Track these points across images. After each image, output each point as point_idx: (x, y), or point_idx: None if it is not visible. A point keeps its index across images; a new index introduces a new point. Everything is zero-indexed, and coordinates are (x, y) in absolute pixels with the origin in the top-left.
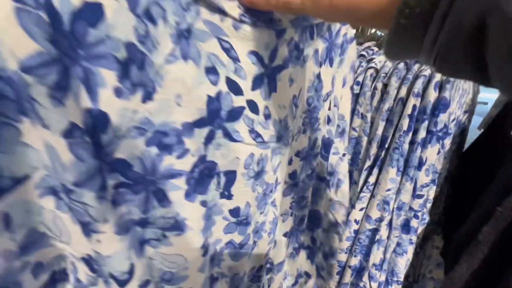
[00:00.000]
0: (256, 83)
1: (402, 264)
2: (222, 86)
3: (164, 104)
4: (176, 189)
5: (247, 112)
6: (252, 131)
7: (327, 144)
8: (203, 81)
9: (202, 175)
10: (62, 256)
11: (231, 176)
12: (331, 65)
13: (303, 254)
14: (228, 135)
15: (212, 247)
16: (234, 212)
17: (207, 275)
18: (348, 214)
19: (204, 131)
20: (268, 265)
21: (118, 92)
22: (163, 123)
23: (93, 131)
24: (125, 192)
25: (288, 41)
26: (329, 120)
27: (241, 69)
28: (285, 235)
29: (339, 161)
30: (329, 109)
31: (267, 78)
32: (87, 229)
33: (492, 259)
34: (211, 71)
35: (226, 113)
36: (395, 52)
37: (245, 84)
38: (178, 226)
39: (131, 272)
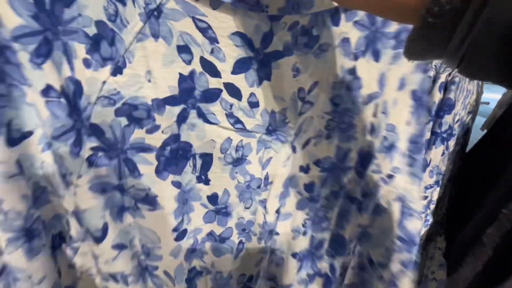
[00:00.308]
0: (239, 67)
1: None
2: (196, 66)
3: (133, 79)
4: (146, 163)
5: (224, 95)
6: (230, 115)
7: (365, 158)
8: (175, 60)
9: (175, 154)
10: (58, 215)
11: (207, 159)
12: (376, 60)
13: (318, 282)
14: (203, 116)
15: (192, 235)
16: (212, 199)
17: (184, 264)
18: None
19: (176, 109)
20: (269, 283)
21: (87, 64)
22: (132, 96)
23: (72, 95)
24: (102, 156)
25: (289, 26)
26: (372, 130)
27: (220, 50)
28: (294, 255)
29: (380, 182)
30: (374, 115)
31: (258, 64)
32: (65, 181)
33: (496, 261)
34: (184, 50)
35: (200, 94)
36: (417, 52)
37: (224, 66)
38: (149, 201)
39: (105, 231)
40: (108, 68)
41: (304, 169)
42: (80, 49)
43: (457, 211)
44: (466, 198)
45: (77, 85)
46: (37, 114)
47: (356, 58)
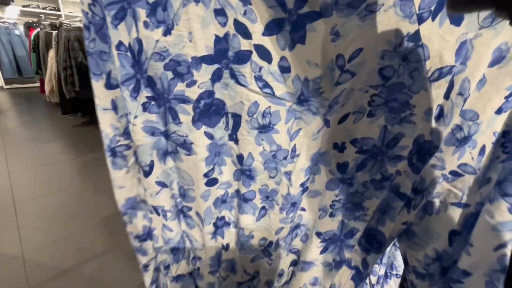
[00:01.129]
0: (270, 28)
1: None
2: (230, 28)
3: (179, 39)
4: (185, 113)
5: (254, 57)
6: (259, 78)
7: (424, 149)
8: (211, 22)
9: (209, 108)
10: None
11: (237, 119)
12: (456, 24)
13: (346, 272)
14: (234, 77)
15: (223, 187)
16: (239, 158)
17: (213, 209)
18: (425, 265)
19: (211, 68)
20: (292, 256)
21: (146, 25)
22: (177, 54)
23: (136, 51)
24: (153, 104)
25: None
26: (440, 114)
27: (252, 12)
28: (318, 235)
29: (439, 179)
30: (446, 97)
31: (291, 26)
32: (128, 118)
33: None
34: (220, 12)
35: (233, 55)
36: (464, 3)
37: (255, 28)
38: (186, 146)
39: (151, 167)
40: (160, 29)
41: (339, 147)
42: (142, 14)
43: None
44: None
45: (139, 42)
46: (112, 63)
47: (420, 20)
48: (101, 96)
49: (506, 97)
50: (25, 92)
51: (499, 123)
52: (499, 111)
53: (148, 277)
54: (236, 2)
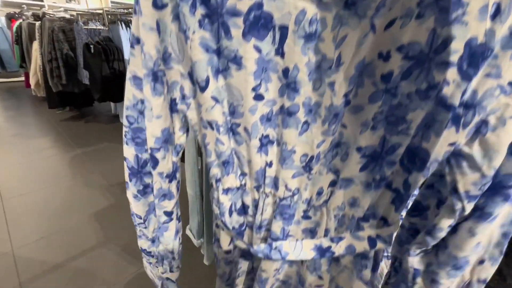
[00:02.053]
0: None
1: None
2: None
3: None
4: (236, 27)
5: None
6: None
7: (476, 53)
8: None
9: (258, 21)
10: (175, 82)
11: (284, 31)
12: None
13: (385, 194)
14: None
15: (269, 104)
16: (285, 72)
17: (259, 124)
18: (482, 185)
19: None
20: (331, 175)
21: None
22: None
23: None
24: (207, 21)
25: None
26: (497, 12)
27: None
28: (359, 150)
29: (494, 91)
30: None
31: None
32: (185, 36)
33: None
34: None
35: None
36: None
37: None
38: (237, 61)
39: (207, 82)
40: None
41: (384, 56)
42: None
43: None
44: None
45: None
46: None
47: None
48: (148, 14)
49: None
50: (9, 86)
51: None
52: None
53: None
54: None
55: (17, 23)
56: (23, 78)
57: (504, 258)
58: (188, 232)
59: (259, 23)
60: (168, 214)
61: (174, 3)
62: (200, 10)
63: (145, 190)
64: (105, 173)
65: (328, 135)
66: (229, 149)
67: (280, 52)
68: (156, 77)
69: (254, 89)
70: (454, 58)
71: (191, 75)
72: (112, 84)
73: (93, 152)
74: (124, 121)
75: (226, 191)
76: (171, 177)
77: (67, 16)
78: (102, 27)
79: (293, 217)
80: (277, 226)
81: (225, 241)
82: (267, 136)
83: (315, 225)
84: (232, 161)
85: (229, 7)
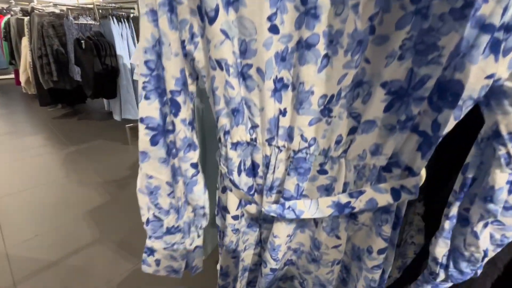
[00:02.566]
0: None
1: None
2: None
3: None
4: None
5: None
6: None
7: None
8: None
9: None
10: (184, 20)
11: None
12: None
13: (412, 139)
14: None
15: (284, 40)
16: None
17: (273, 62)
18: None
19: None
20: (352, 120)
21: None
22: None
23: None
24: None
25: None
26: None
27: None
28: (383, 85)
29: None
30: None
31: None
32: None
33: None
34: None
35: None
36: None
37: None
38: None
39: (216, 12)
40: None
41: None
42: None
43: (436, 176)
44: (444, 163)
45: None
46: None
47: None
48: None
49: None
50: None
51: None
52: None
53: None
54: None
55: (5, 18)
56: (13, 76)
57: None
58: None
59: None
60: (195, 166)
61: None
62: None
63: (171, 150)
64: (99, 170)
65: (351, 67)
66: (239, 96)
67: None
68: (172, 7)
69: (269, 18)
70: None
71: (200, 9)
72: (104, 81)
73: (87, 149)
74: (143, 69)
75: (235, 145)
76: (192, 124)
77: (57, 11)
78: (93, 22)
79: (308, 171)
80: (291, 183)
81: (232, 205)
82: (281, 79)
83: (331, 181)
84: (242, 109)
85: None
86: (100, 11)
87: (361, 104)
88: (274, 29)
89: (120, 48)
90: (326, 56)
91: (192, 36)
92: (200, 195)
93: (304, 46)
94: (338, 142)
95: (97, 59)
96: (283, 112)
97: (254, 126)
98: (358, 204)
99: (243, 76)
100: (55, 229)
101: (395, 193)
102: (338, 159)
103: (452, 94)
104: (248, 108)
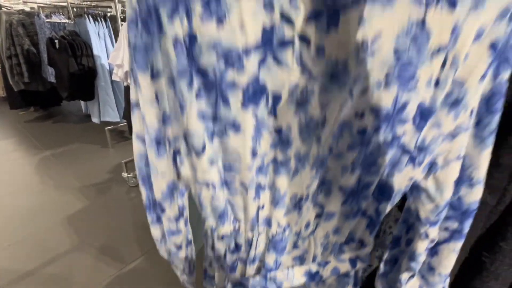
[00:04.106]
0: (311, 17)
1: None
2: (276, 19)
3: (230, 31)
4: (235, 98)
5: (296, 42)
6: (299, 62)
7: (424, 112)
8: (261, 13)
9: (255, 91)
10: (176, 137)
11: (277, 98)
12: (452, 7)
13: (361, 221)
14: (277, 61)
15: (260, 158)
16: (278, 131)
17: (254, 177)
18: (437, 213)
19: (258, 55)
20: (317, 209)
21: (201, 19)
22: (229, 44)
23: (189, 45)
24: (203, 91)
25: None
26: (437, 83)
27: (296, 1)
28: (340, 188)
29: (438, 139)
30: (442, 68)
31: (327, 14)
32: (181, 106)
33: None
34: (267, 5)
35: (277, 41)
36: None
37: (299, 17)
38: (235, 126)
39: (203, 148)
40: (214, 22)
41: (359, 115)
42: (197, 7)
43: None
44: None
45: (194, 37)
46: (167, 59)
47: (427, 5)
48: (147, 87)
49: (486, 68)
50: None
51: (481, 89)
52: (481, 80)
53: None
54: None
55: None
56: None
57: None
58: None
59: (256, 92)
60: (178, 247)
61: (168, 72)
62: (197, 83)
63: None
64: (77, 174)
65: (316, 178)
66: (224, 201)
67: (273, 114)
68: (158, 141)
69: (252, 150)
70: (408, 116)
71: (185, 138)
72: (81, 82)
73: (64, 153)
74: (137, 171)
75: (222, 237)
76: (178, 217)
77: (27, 8)
78: (67, 21)
79: (284, 249)
80: (270, 259)
81: (220, 279)
82: (259, 184)
83: (303, 253)
84: (226, 211)
85: (228, 81)
86: (75, 9)
87: (323, 198)
88: (254, 154)
89: (97, 48)
90: (296, 169)
91: (179, 152)
92: (181, 261)
93: (278, 163)
94: (307, 226)
95: (73, 59)
96: (262, 207)
97: (237, 219)
98: (325, 272)
99: (227, 184)
100: (30, 238)
101: (352, 262)
102: (308, 238)
103: (387, 191)
104: (231, 206)
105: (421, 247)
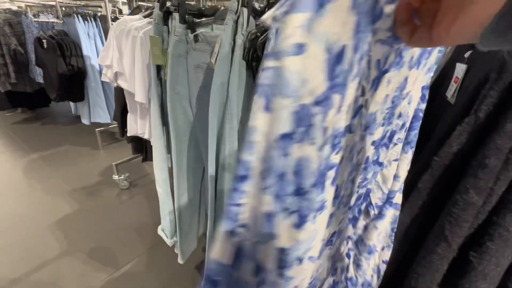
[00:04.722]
0: (373, 84)
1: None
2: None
3: (339, 114)
4: (328, 179)
5: (363, 108)
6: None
7: (392, 135)
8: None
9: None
10: None
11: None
12: (417, 68)
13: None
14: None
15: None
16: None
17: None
18: (382, 199)
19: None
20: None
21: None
22: (337, 129)
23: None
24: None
25: (396, 49)
26: (400, 115)
27: (369, 75)
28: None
29: (391, 149)
30: (406, 105)
31: (377, 79)
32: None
33: (430, 204)
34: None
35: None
36: (496, 40)
37: (368, 86)
38: (323, 208)
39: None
40: (334, 110)
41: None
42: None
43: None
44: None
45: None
46: None
47: (410, 69)
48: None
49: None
50: None
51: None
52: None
53: None
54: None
55: None
56: None
57: (449, 226)
58: (160, 232)
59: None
60: None
61: None
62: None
63: None
64: (67, 177)
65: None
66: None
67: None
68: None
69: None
70: (386, 141)
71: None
72: (70, 82)
73: (52, 156)
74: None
75: None
76: None
77: (14, 7)
78: (55, 20)
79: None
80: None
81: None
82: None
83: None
84: None
85: (329, 163)
86: (64, 8)
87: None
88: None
89: (87, 48)
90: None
91: None
92: None
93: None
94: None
95: (61, 59)
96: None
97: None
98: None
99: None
100: (17, 244)
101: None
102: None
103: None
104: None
105: (362, 223)
